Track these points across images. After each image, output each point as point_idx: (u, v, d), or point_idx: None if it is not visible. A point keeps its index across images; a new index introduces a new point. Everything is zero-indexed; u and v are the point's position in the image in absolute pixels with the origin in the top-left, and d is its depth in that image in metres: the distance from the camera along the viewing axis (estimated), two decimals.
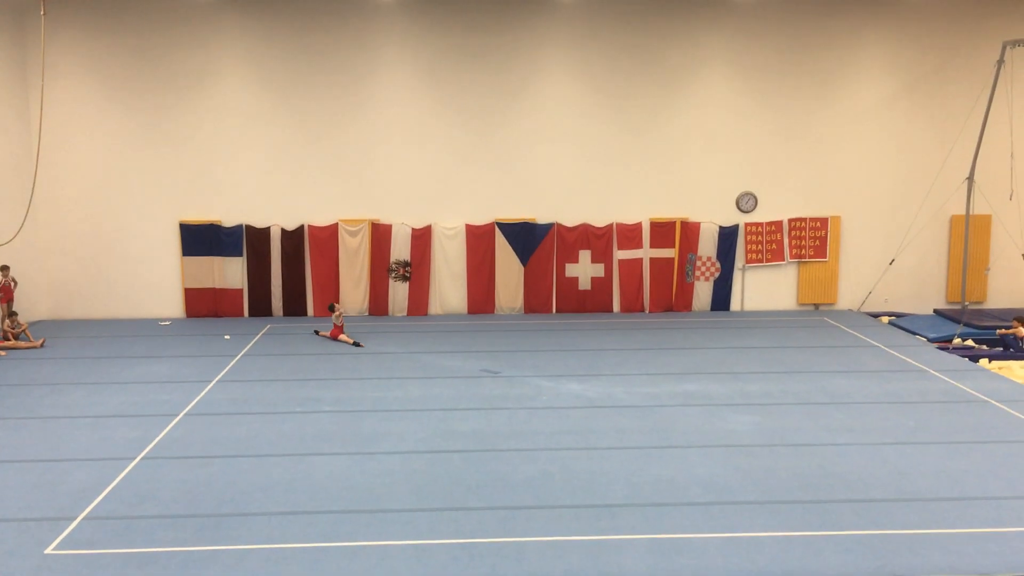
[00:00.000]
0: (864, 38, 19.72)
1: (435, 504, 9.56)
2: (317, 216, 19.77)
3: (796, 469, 10.52)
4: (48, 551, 8.54)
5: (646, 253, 20.24)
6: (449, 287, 20.20)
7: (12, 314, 17.23)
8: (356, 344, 17.05)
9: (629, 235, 20.12)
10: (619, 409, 12.94)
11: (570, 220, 20.07)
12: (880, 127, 20.04)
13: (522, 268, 20.09)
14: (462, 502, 9.61)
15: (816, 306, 20.72)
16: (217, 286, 19.76)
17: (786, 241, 20.36)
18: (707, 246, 20.27)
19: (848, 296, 20.72)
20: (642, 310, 20.49)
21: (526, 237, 19.94)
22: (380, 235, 19.81)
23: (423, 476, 10.35)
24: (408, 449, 11.29)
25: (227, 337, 17.82)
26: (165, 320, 19.62)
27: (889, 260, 20.34)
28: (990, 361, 15.96)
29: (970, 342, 17.54)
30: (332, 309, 17.57)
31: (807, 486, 10.01)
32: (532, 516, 9.24)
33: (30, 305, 19.06)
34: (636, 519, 9.16)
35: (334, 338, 17.43)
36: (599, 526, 9.01)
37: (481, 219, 20.00)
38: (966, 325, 18.07)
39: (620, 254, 20.19)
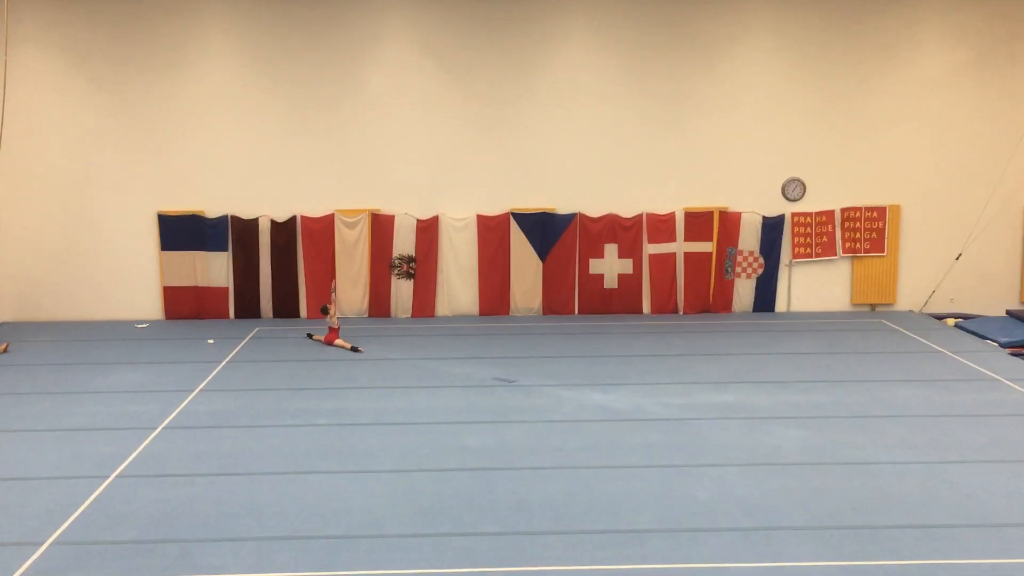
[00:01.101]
0: (927, 3, 19.58)
1: (442, 528, 9.58)
2: (311, 206, 19.84)
3: (849, 491, 10.48)
4: None
5: (680, 247, 20.20)
6: (458, 285, 20.23)
7: None
8: (354, 349, 17.11)
9: (661, 227, 20.09)
10: (649, 423, 12.93)
11: (594, 210, 20.06)
12: (945, 104, 19.89)
13: (540, 264, 20.09)
14: (473, 526, 9.63)
15: (872, 307, 20.62)
16: (199, 284, 19.87)
17: (838, 234, 20.25)
18: (749, 239, 20.21)
19: (909, 295, 20.59)
20: (675, 311, 20.46)
21: (545, 229, 19.94)
22: (381, 227, 19.87)
23: (429, 497, 10.38)
24: (412, 467, 11.32)
25: (210, 341, 17.91)
26: (142, 322, 19.74)
27: (955, 255, 20.21)
28: None
29: None
30: (325, 311, 17.63)
31: (861, 510, 9.98)
32: (551, 543, 9.25)
33: None
34: (668, 546, 9.15)
35: (330, 343, 17.49)
36: (626, 554, 9.01)
37: (494, 209, 20.02)
38: None
39: (651, 248, 20.16)
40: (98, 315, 19.95)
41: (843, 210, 20.20)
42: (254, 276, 19.92)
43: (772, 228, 20.17)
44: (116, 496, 10.48)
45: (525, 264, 20.10)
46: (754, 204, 20.19)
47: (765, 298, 20.46)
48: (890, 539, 9.28)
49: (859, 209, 20.16)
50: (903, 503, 10.15)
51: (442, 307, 20.33)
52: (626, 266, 20.20)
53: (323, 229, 19.83)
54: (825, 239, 20.26)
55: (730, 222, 20.13)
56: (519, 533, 9.47)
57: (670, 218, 20.10)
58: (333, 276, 19.63)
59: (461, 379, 15.21)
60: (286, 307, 20.07)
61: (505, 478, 10.91)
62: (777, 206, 20.24)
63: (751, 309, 20.53)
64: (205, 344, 17.74)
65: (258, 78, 19.36)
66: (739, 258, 20.29)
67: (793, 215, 20.20)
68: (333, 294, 18.14)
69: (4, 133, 18.10)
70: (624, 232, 20.07)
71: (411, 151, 19.74)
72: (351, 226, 19.80)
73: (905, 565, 8.75)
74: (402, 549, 9.14)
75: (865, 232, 20.19)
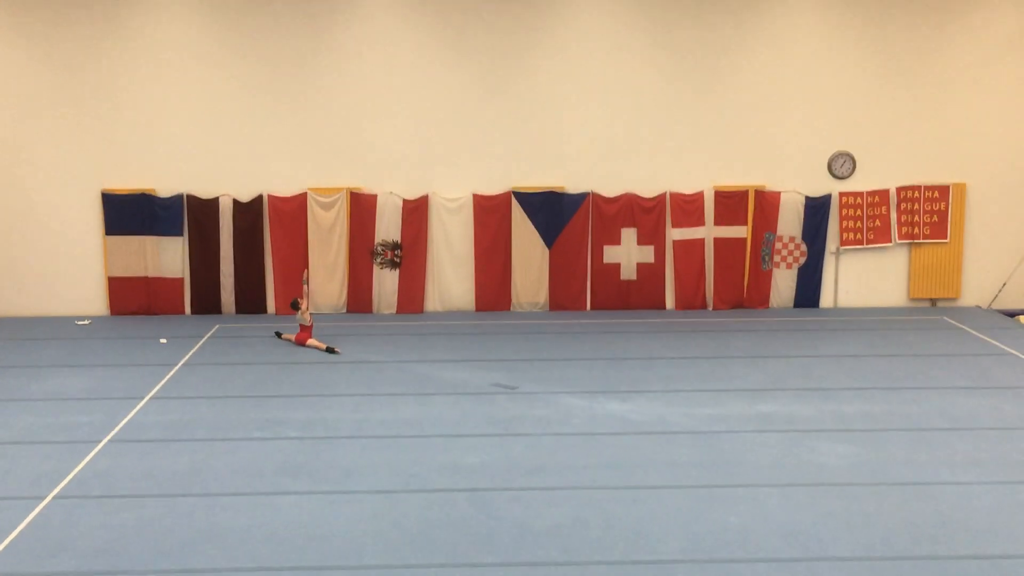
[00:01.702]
0: None
1: (433, 559, 9.59)
2: (280, 183, 19.83)
3: (906, 516, 10.49)
4: None
5: (709, 232, 20.20)
6: (451, 276, 20.24)
7: None
8: (330, 350, 17.12)
9: (687, 208, 20.08)
10: (673, 436, 12.93)
11: (609, 189, 20.04)
12: (1020, 67, 19.85)
13: (547, 252, 20.10)
14: (468, 557, 9.64)
15: (933, 302, 20.61)
16: (150, 274, 19.87)
17: (894, 217, 20.23)
18: (790, 223, 20.19)
19: (975, 289, 20.58)
20: (704, 307, 20.46)
21: (552, 211, 19.94)
22: (361, 208, 19.86)
23: (417, 522, 10.38)
24: (398, 487, 11.32)
25: (163, 341, 17.93)
26: (83, 319, 19.75)
27: None
28: None
29: None
30: (296, 306, 17.64)
31: (920, 537, 9.98)
32: (560, 575, 9.24)
33: None
34: None
35: (301, 343, 17.51)
36: None
37: (493, 188, 20.01)
38: None
39: (675, 233, 20.16)
40: (32, 310, 19.94)
41: (899, 189, 20.18)
42: (214, 265, 19.91)
43: (817, 210, 20.15)
44: (54, 520, 10.48)
45: (529, 252, 20.09)
46: (796, 182, 20.17)
47: (808, 292, 20.45)
48: (953, 572, 9.28)
49: (918, 188, 20.13)
50: (969, 530, 10.14)
51: (432, 302, 20.33)
52: (646, 254, 20.20)
53: (294, 210, 19.81)
54: (878, 223, 20.23)
55: (768, 203, 20.11)
56: (522, 564, 9.47)
57: (698, 198, 20.08)
58: (306, 265, 19.63)
59: (454, 385, 15.20)
60: (251, 301, 20.09)
61: (506, 500, 10.91)
62: (823, 185, 20.21)
63: (792, 304, 20.53)
64: (157, 344, 17.74)
65: (218, 33, 19.31)
66: (778, 245, 20.28)
67: (841, 195, 20.17)
68: (305, 286, 18.14)
69: None
70: (644, 215, 20.06)
71: (396, 120, 19.71)
72: (327, 207, 19.79)
73: None
74: None
75: (925, 215, 20.16)
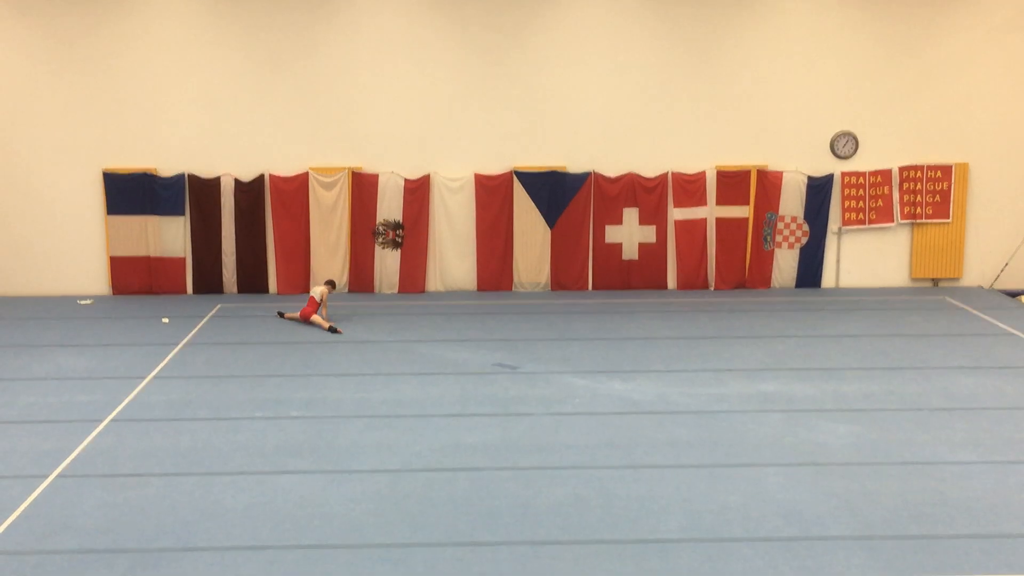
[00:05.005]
0: None
1: (435, 537, 9.62)
2: (281, 163, 19.79)
3: (906, 495, 10.50)
4: None
5: (711, 212, 20.16)
6: (453, 256, 20.23)
7: None
8: (333, 330, 17.14)
9: (689, 188, 20.05)
10: (674, 416, 12.96)
11: (611, 169, 20.01)
12: (1022, 47, 19.76)
13: (548, 231, 20.08)
14: (469, 535, 9.67)
15: (935, 282, 20.60)
16: (152, 254, 19.88)
17: (896, 196, 20.19)
18: (791, 203, 20.15)
19: (977, 269, 20.56)
20: (706, 287, 20.46)
21: (553, 191, 19.91)
22: (363, 188, 19.84)
23: (419, 501, 10.41)
24: (399, 466, 11.35)
25: (165, 320, 17.95)
26: (85, 298, 19.76)
27: None
28: None
29: None
30: (331, 284, 17.92)
31: (920, 516, 10.00)
32: (560, 554, 9.28)
33: None
34: (696, 558, 9.18)
35: (306, 318, 17.51)
36: (648, 567, 9.04)
37: (495, 167, 19.98)
38: None
39: (677, 213, 20.13)
40: (34, 290, 19.96)
41: (902, 169, 20.13)
42: (215, 244, 19.90)
43: (819, 190, 20.10)
44: (56, 499, 10.51)
45: (531, 231, 20.07)
46: (798, 162, 20.12)
47: (810, 272, 20.43)
48: (953, 551, 9.30)
49: (920, 168, 20.08)
50: (968, 510, 10.16)
51: (434, 281, 20.34)
52: (648, 234, 20.18)
53: (295, 190, 19.79)
54: (880, 203, 20.19)
55: (770, 183, 20.07)
56: (522, 543, 9.50)
57: (700, 178, 20.04)
58: (306, 242, 19.63)
59: (456, 365, 15.22)
60: (252, 281, 20.08)
61: (507, 480, 10.93)
62: (825, 164, 20.16)
63: (793, 284, 20.51)
64: (159, 323, 17.76)
65: (220, 13, 19.24)
66: (780, 225, 20.25)
67: (843, 175, 20.12)
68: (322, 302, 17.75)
69: None
70: (646, 194, 20.03)
71: (398, 99, 19.66)
72: (328, 187, 19.76)
73: None
74: (387, 561, 9.17)
75: (927, 195, 20.12)
